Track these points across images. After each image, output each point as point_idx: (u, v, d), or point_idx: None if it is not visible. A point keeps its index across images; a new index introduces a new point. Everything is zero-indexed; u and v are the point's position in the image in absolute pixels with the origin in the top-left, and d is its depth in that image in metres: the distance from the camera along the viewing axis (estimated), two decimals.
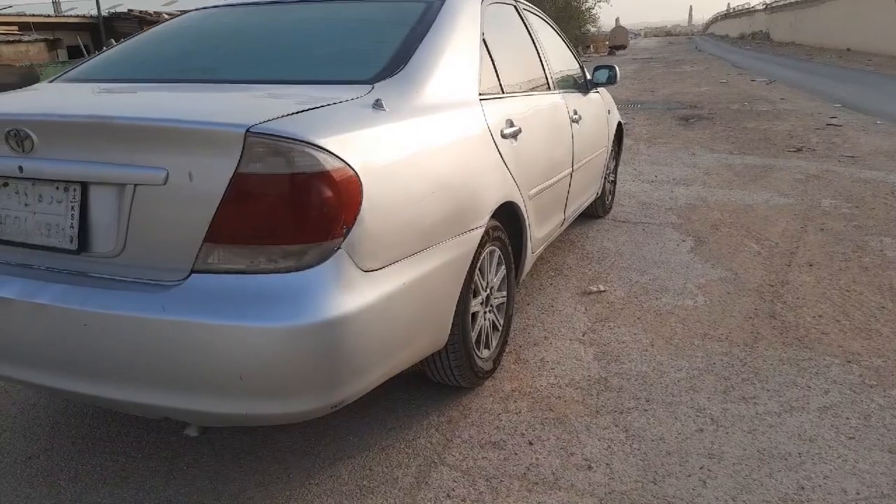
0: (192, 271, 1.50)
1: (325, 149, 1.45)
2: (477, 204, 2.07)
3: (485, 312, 2.36)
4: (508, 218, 2.49)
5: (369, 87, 1.83)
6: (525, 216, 2.57)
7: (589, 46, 38.64)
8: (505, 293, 2.54)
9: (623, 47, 41.57)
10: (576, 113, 3.34)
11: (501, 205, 2.34)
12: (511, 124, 2.43)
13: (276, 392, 1.49)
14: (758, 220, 4.55)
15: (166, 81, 2.05)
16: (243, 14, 2.60)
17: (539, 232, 2.86)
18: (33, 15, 15.02)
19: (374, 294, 1.58)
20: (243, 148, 1.41)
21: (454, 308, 2.04)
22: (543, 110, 2.86)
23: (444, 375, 2.24)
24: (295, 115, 1.49)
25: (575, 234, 4.30)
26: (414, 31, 2.13)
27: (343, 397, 1.58)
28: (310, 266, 1.47)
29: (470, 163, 2.04)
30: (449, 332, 2.06)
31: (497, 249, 2.39)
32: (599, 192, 4.34)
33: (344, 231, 1.49)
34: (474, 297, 2.25)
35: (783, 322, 2.93)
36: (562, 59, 3.65)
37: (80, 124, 1.54)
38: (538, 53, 3.13)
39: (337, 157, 1.47)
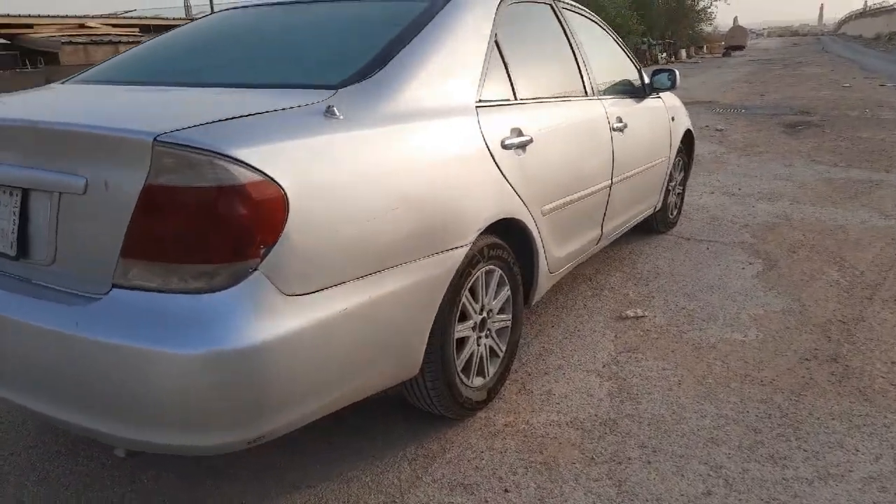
0: (114, 286, 1.42)
1: (240, 160, 1.33)
2: (459, 221, 1.88)
3: (478, 338, 2.16)
4: (517, 235, 2.28)
5: (332, 92, 1.69)
6: (536, 234, 2.35)
7: (702, 47, 36.84)
8: (509, 317, 2.33)
9: (741, 48, 39.27)
10: (620, 121, 3.05)
11: (504, 221, 2.14)
12: (519, 134, 2.21)
13: (184, 423, 1.38)
14: (846, 243, 4.02)
15: (148, 84, 2.00)
16: (257, 15, 2.54)
17: (560, 250, 2.61)
18: (151, 18, 16.11)
19: (300, 321, 1.43)
20: (152, 157, 1.31)
21: (427, 334, 1.86)
22: (570, 118, 2.62)
23: (424, 403, 2.07)
24: (214, 124, 1.38)
25: (627, 251, 3.98)
26: (404, 33, 1.97)
27: (262, 432, 1.44)
28: (222, 288, 1.34)
29: (451, 176, 1.86)
30: (422, 359, 1.89)
31: (497, 269, 2.19)
32: (659, 206, 3.99)
33: (262, 252, 1.36)
34: (462, 321, 2.06)
35: (846, 367, 2.52)
36: (610, 62, 3.36)
37: (14, 128, 1.50)
38: (575, 57, 2.87)
39: (256, 169, 1.34)
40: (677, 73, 3.54)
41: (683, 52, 32.55)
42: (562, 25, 2.86)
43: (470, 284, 2.05)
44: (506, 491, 1.87)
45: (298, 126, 1.49)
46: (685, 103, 4.53)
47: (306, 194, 1.43)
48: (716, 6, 43.73)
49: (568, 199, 2.57)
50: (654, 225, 4.20)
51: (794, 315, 3.00)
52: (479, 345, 2.18)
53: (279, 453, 2.04)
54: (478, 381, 2.20)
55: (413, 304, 1.76)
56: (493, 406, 2.28)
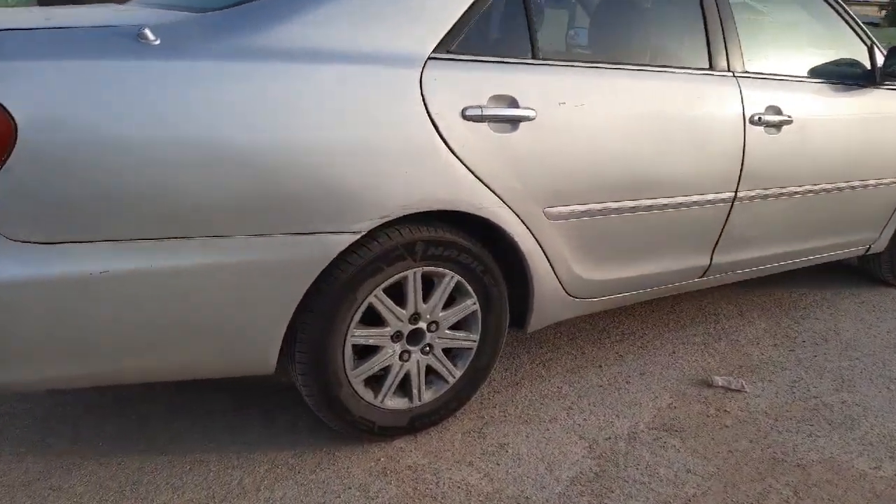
0: None
1: None
2: (340, 200, 1.47)
3: (404, 352, 1.73)
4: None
5: (189, 15, 1.43)
6: (529, 241, 1.77)
7: None
8: (474, 338, 1.82)
9: None
10: (777, 113, 2.13)
11: (465, 217, 1.66)
12: (510, 104, 1.65)
13: None
14: None
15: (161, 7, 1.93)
16: None
17: (596, 271, 1.96)
18: None
19: (27, 271, 1.25)
20: None
21: (280, 329, 1.53)
22: (643, 96, 1.88)
23: (311, 407, 1.74)
24: None
25: (809, 298, 2.88)
26: None
27: None
28: None
29: (336, 140, 1.44)
30: (275, 357, 1.56)
31: (451, 274, 1.71)
32: (880, 246, 2.79)
33: None
34: (373, 325, 1.66)
35: None
36: (806, 32, 2.37)
37: None
38: (703, 14, 2.05)
39: None
40: None
41: None
42: None
43: (386, 283, 1.63)
44: None
45: (76, 47, 1.26)
46: None
47: (53, 127, 1.21)
48: None
49: (619, 204, 1.89)
50: (879, 272, 2.98)
51: None
52: (403, 359, 1.74)
53: (141, 421, 1.92)
54: (395, 403, 1.77)
55: (239, 288, 1.44)
56: (420, 438, 1.83)
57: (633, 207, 1.93)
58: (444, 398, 1.84)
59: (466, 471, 1.72)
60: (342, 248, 1.51)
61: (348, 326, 1.62)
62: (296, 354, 1.61)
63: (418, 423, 1.82)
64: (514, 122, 1.66)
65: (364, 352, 1.72)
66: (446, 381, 1.84)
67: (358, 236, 1.52)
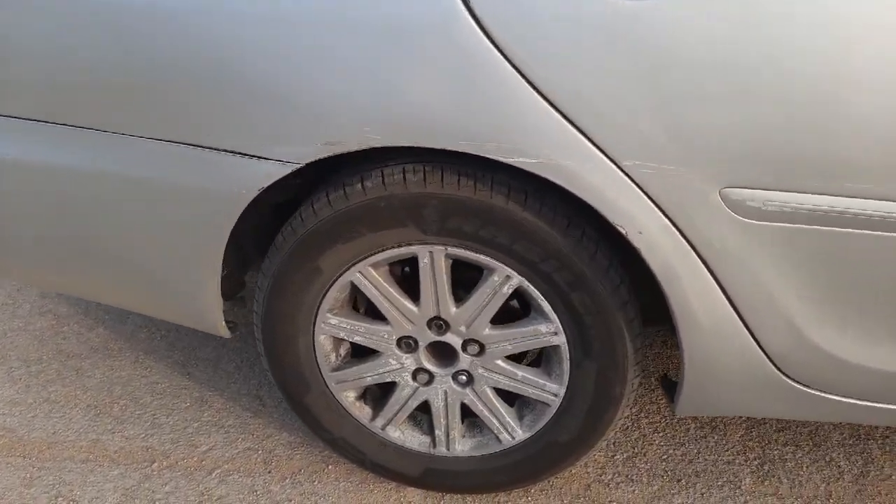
0: None
1: None
2: (256, 100, 0.83)
3: (420, 370, 1.05)
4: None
5: None
6: (669, 243, 0.82)
7: None
8: (554, 389, 1.01)
9: None
10: None
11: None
12: None
13: None
14: None
15: None
16: None
17: (872, 346, 0.86)
18: None
19: None
20: None
21: (208, 280, 1.02)
22: None
23: None
24: None
25: None
26: None
27: None
28: None
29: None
30: (218, 316, 1.07)
31: (509, 273, 0.92)
32: None
33: None
34: (371, 317, 1.04)
35: None
36: None
37: None
38: None
39: None
40: None
41: None
42: None
43: (378, 258, 0.95)
44: None
45: None
46: None
47: None
48: None
49: None
50: None
51: None
52: (418, 381, 1.06)
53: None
54: (405, 438, 1.12)
55: (121, 209, 0.98)
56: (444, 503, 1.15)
57: None
58: (490, 464, 1.10)
59: None
60: (264, 183, 0.88)
61: (317, 308, 1.01)
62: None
63: (436, 480, 1.14)
64: None
65: (362, 352, 1.10)
66: (497, 439, 1.08)
67: (289, 169, 0.86)
